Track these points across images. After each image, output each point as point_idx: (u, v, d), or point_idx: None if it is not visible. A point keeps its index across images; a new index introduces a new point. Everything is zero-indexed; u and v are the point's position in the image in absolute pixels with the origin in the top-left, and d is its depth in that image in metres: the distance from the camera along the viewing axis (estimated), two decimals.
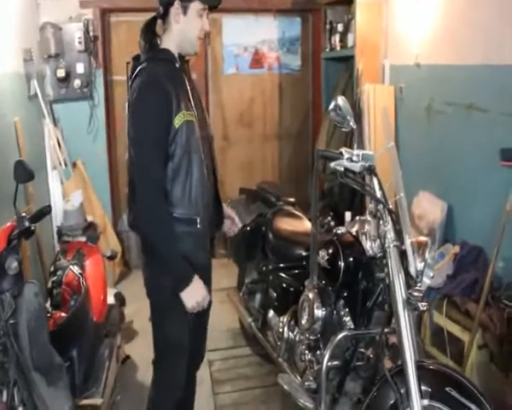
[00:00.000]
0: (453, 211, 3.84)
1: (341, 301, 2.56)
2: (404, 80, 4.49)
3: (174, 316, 2.36)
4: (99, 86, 5.14)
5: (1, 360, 2.13)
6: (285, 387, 2.79)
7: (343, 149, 2.23)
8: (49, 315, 2.77)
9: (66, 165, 4.78)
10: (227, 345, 3.96)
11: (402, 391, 2.00)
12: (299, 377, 2.79)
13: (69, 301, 2.95)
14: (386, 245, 2.18)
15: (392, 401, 2.03)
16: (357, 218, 2.59)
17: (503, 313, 2.96)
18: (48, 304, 2.99)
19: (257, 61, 5.93)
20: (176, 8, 2.23)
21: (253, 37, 5.84)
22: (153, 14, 2.33)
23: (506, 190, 3.08)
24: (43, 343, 2.25)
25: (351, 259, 2.47)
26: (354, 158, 2.21)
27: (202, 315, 2.60)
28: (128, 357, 3.69)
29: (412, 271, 2.10)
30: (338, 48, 5.25)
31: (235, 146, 5.92)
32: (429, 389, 1.96)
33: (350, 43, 4.97)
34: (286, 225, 3.39)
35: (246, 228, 3.56)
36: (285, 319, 3.04)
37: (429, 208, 3.92)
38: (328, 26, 5.44)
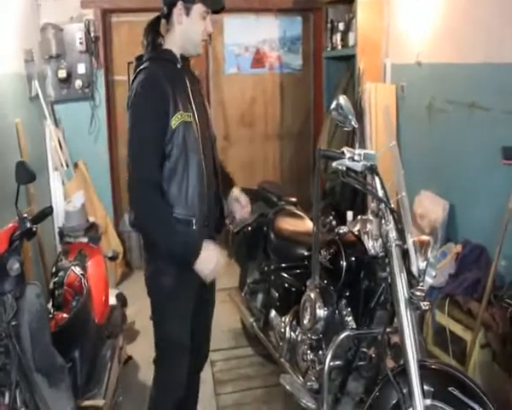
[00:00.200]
0: (455, 210, 3.83)
1: (343, 301, 2.55)
2: (406, 79, 4.48)
3: (175, 315, 2.37)
4: (100, 87, 5.14)
5: (3, 362, 2.13)
6: (287, 387, 2.78)
7: (345, 149, 2.23)
8: (50, 316, 2.77)
9: (67, 166, 4.78)
10: (229, 345, 3.96)
11: (404, 391, 1.99)
12: (301, 378, 2.79)
13: (71, 302, 2.94)
14: (389, 244, 2.18)
15: (394, 401, 2.03)
16: (359, 217, 2.59)
17: (505, 312, 2.95)
18: (50, 305, 2.99)
19: (258, 60, 5.93)
20: (179, 9, 2.24)
21: (254, 36, 5.84)
22: (154, 14, 2.33)
23: (508, 189, 3.07)
24: (45, 345, 2.25)
25: (353, 258, 2.46)
26: (356, 157, 2.20)
27: (205, 315, 2.61)
28: (130, 358, 3.69)
29: (414, 270, 2.10)
30: (339, 47, 5.24)
31: (237, 146, 5.92)
32: (432, 389, 1.96)
33: (351, 42, 4.96)
34: (287, 224, 3.38)
35: (247, 228, 3.56)
36: (287, 319, 3.03)
37: (431, 207, 3.91)
38: (329, 25, 5.42)
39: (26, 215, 2.33)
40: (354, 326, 2.49)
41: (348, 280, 2.49)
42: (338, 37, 5.23)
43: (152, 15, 2.33)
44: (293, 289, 3.13)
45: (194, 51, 2.34)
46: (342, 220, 3.78)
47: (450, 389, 1.91)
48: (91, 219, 3.84)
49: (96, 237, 3.60)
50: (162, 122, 2.17)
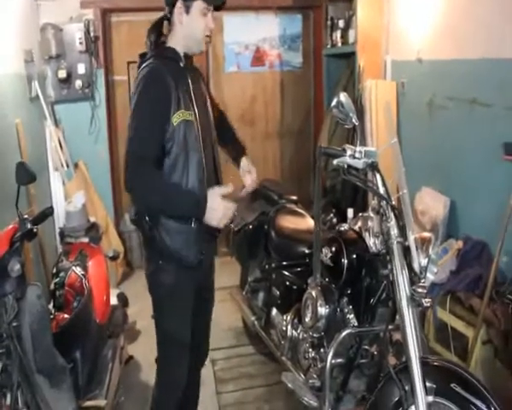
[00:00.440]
0: (456, 206, 3.83)
1: (345, 299, 2.55)
2: (406, 76, 4.47)
3: (175, 312, 2.39)
4: (100, 87, 5.13)
5: (4, 363, 2.13)
6: (289, 385, 2.78)
7: (346, 146, 2.22)
8: (52, 317, 2.77)
9: (67, 166, 4.78)
10: (230, 344, 3.96)
11: (407, 388, 1.99)
12: (302, 376, 2.79)
13: (72, 302, 2.94)
14: (390, 241, 2.17)
15: (396, 398, 2.03)
16: (360, 215, 2.58)
17: (507, 308, 2.95)
18: (51, 306, 2.99)
19: (258, 58, 5.92)
20: (179, 8, 2.25)
21: (253, 34, 5.83)
22: (153, 13, 2.35)
23: (509, 185, 3.07)
24: (46, 345, 2.25)
25: (354, 256, 2.46)
26: (357, 155, 2.19)
27: (204, 313, 2.62)
28: (131, 357, 3.69)
29: (416, 267, 2.10)
30: (339, 44, 5.23)
31: None
32: (434, 386, 1.95)
33: (351, 39, 4.95)
34: (288, 222, 3.38)
35: (248, 226, 3.56)
36: (288, 318, 3.03)
37: (432, 204, 3.91)
38: (329, 23, 5.42)
39: (26, 216, 2.33)
40: (356, 324, 2.49)
41: (349, 278, 2.48)
42: (338, 34, 5.23)
43: (152, 15, 2.35)
44: (295, 287, 3.12)
45: (197, 49, 2.34)
46: (343, 218, 3.77)
47: (452, 385, 1.91)
48: (92, 220, 3.84)
49: (96, 237, 3.60)
50: (163, 113, 2.18)
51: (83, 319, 2.84)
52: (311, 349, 2.74)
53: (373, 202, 2.39)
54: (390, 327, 2.33)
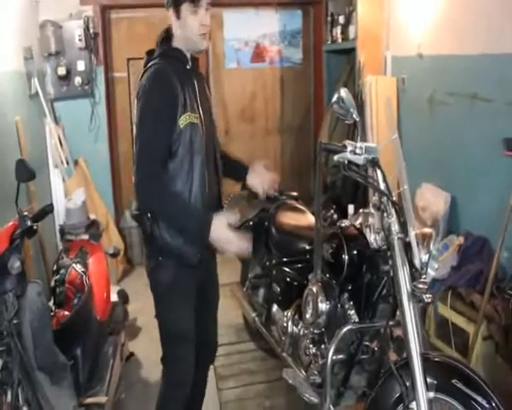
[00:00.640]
0: (457, 202, 3.82)
1: (346, 295, 2.54)
2: (406, 71, 4.47)
3: (177, 309, 2.38)
4: (100, 84, 5.12)
5: (5, 360, 2.13)
6: (290, 381, 2.78)
7: (346, 142, 2.22)
8: (52, 314, 2.77)
9: (67, 163, 4.78)
10: (231, 340, 3.96)
11: (407, 384, 1.99)
12: (303, 372, 2.78)
13: (72, 299, 2.94)
14: (391, 237, 2.17)
15: (397, 394, 2.03)
16: (361, 211, 2.57)
17: (508, 303, 2.95)
18: (51, 303, 3.00)
19: (258, 55, 5.91)
20: (171, 15, 2.26)
21: (253, 31, 5.83)
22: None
23: (510, 180, 3.07)
24: (46, 343, 2.26)
25: (355, 252, 2.45)
26: (357, 151, 2.19)
27: (208, 309, 2.61)
28: (132, 354, 3.69)
29: (417, 263, 2.09)
30: (339, 40, 5.22)
31: (237, 141, 5.90)
32: (435, 382, 1.95)
33: (351, 35, 4.95)
34: (289, 219, 3.37)
35: (249, 223, 3.55)
36: (289, 314, 3.02)
37: (432, 200, 3.90)
38: (329, 19, 5.41)
39: (26, 213, 2.34)
40: (356, 320, 2.48)
41: (350, 274, 2.47)
42: (338, 30, 5.22)
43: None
44: (295, 283, 3.12)
45: (197, 48, 2.33)
46: (343, 214, 3.76)
47: (453, 381, 1.91)
48: (92, 217, 3.83)
49: (96, 234, 3.60)
50: (170, 113, 2.18)
51: (83, 316, 2.84)
52: (311, 345, 2.74)
53: (374, 197, 2.39)
54: (391, 323, 2.33)
